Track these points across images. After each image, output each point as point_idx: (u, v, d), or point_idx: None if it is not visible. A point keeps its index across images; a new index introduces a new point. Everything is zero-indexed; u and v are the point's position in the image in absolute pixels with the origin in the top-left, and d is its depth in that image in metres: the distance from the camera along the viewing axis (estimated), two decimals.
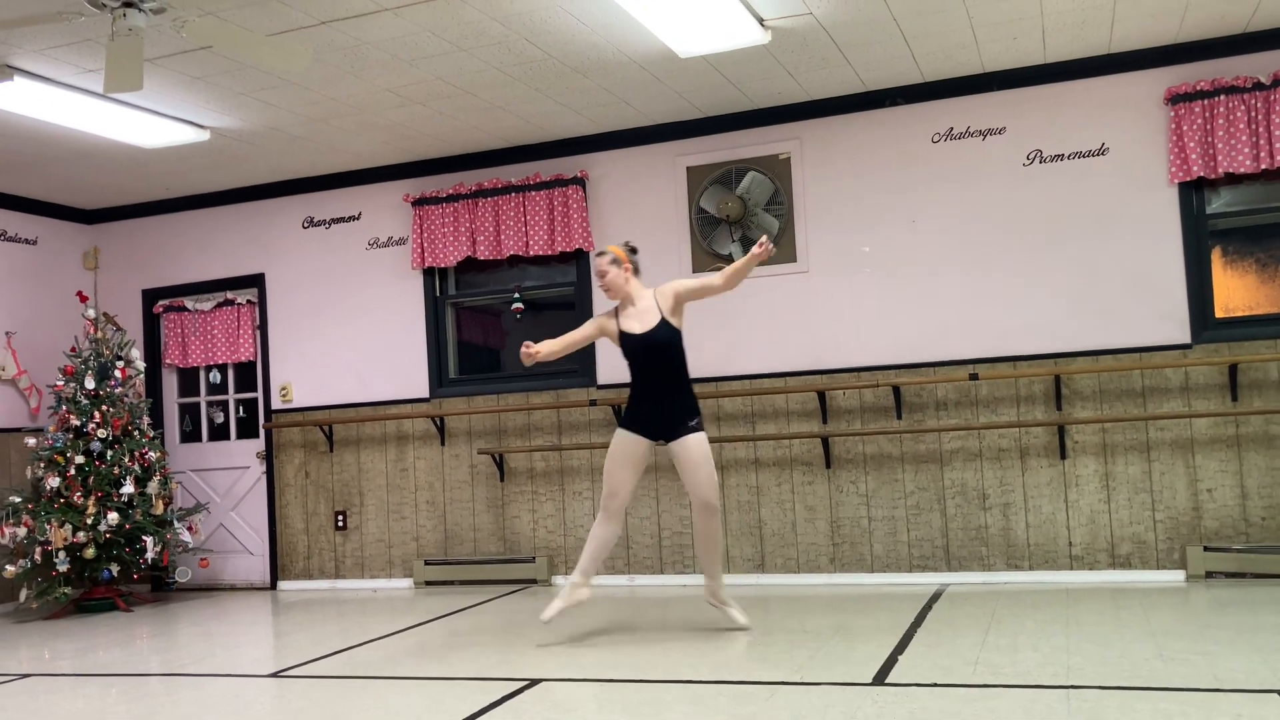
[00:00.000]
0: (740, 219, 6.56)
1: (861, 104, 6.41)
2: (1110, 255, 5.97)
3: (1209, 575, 5.68)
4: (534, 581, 6.93)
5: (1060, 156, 6.08)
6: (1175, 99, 5.79)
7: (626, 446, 4.90)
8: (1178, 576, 5.76)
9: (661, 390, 4.87)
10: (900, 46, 5.64)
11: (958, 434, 6.21)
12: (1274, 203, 5.85)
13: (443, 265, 7.19)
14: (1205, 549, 5.71)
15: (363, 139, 6.71)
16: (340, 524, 7.51)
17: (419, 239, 7.20)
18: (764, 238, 4.65)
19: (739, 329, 6.63)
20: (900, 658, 4.27)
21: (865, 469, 6.37)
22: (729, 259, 6.61)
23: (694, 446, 4.83)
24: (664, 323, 4.87)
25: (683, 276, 6.71)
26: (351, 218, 7.55)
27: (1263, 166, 5.62)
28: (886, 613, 5.28)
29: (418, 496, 7.32)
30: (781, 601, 5.86)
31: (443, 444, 7.26)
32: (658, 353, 4.86)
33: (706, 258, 6.69)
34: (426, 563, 7.22)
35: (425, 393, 7.32)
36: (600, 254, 5.00)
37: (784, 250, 6.54)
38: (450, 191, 7.14)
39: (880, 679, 3.94)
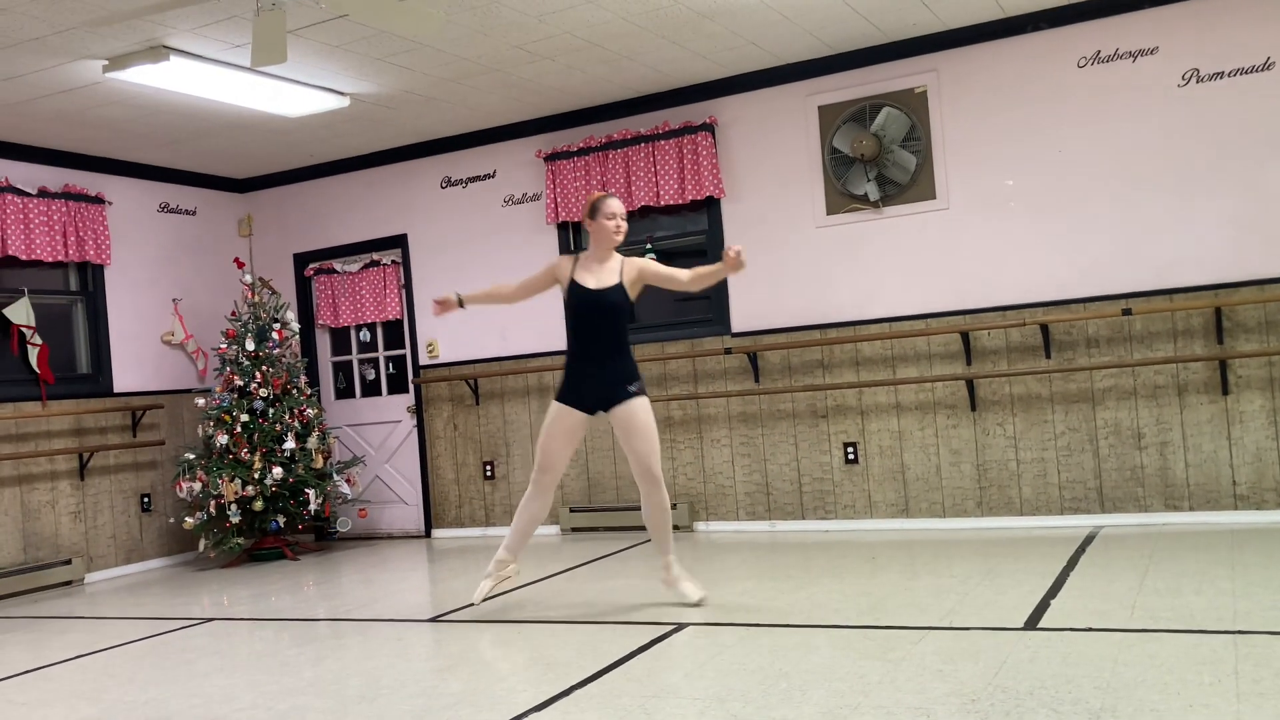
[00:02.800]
0: (875, 157, 6.41)
1: (1001, 31, 6.14)
2: (1278, 178, 5.60)
3: None
4: (676, 527, 7.02)
5: (1219, 75, 5.71)
6: None
7: (563, 421, 4.70)
8: None
9: (602, 354, 4.66)
10: None
11: (1110, 372, 5.97)
12: None
13: (576, 219, 7.27)
14: None
15: (495, 97, 6.81)
16: (488, 473, 7.76)
17: (552, 194, 7.30)
18: (739, 247, 4.40)
19: (877, 271, 6.51)
20: (1053, 602, 4.18)
21: (1012, 410, 6.20)
22: (864, 199, 6.48)
23: (637, 411, 4.60)
24: (619, 287, 4.67)
25: (822, 216, 6.63)
26: (487, 175, 7.69)
27: None
28: (1037, 556, 5.16)
29: None
30: (927, 545, 5.80)
31: None
32: (605, 313, 4.65)
33: (840, 198, 6.57)
34: (571, 510, 7.40)
35: (563, 345, 7.44)
36: (611, 196, 4.77)
37: (923, 187, 6.37)
38: (581, 145, 7.19)
39: (1032, 624, 3.87)
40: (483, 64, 6.12)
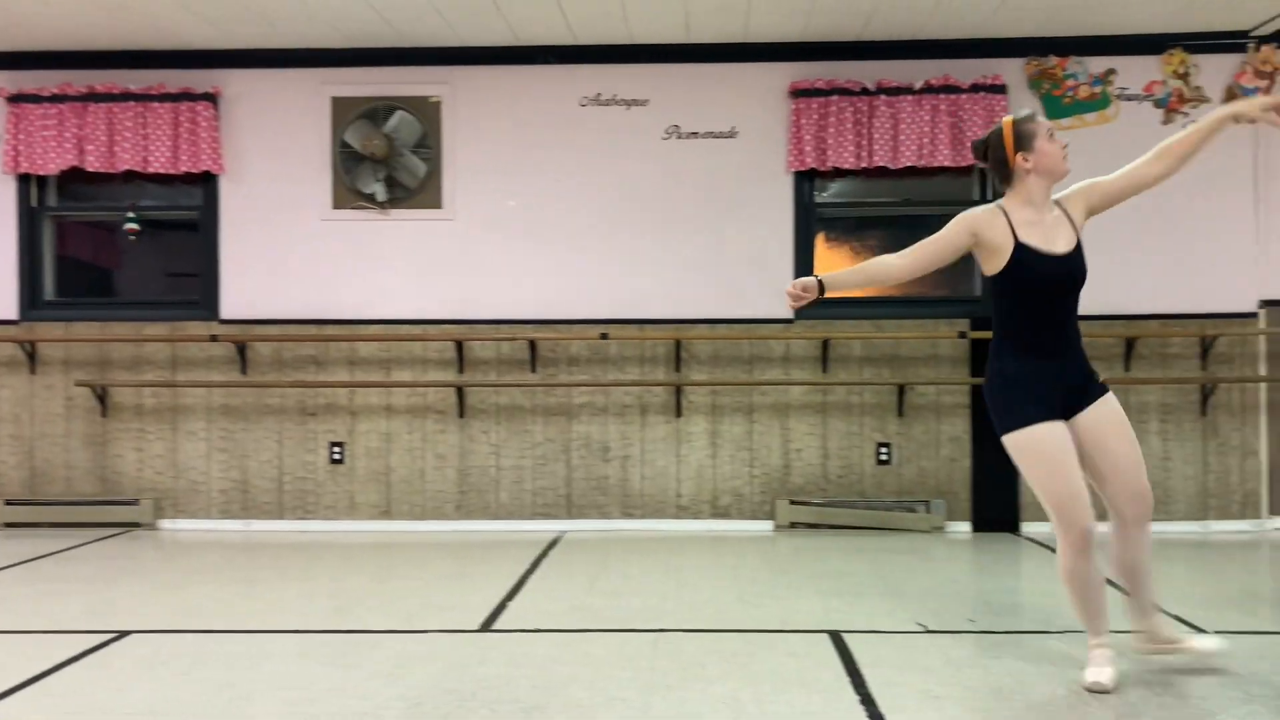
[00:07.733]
0: (386, 158, 6.39)
1: (514, 57, 6.43)
2: (732, 232, 6.44)
3: (793, 525, 6.35)
4: (137, 525, 6.42)
5: (695, 134, 6.45)
6: (797, 93, 6.32)
7: (1056, 440, 3.20)
8: (767, 526, 6.39)
9: (1062, 343, 3.30)
10: (552, 4, 5.70)
11: (587, 389, 6.46)
12: (870, 197, 6.59)
13: (42, 173, 6.41)
14: (791, 502, 6.37)
15: None
16: None
17: (13, 140, 6.37)
18: None
19: (381, 272, 6.48)
20: (510, 604, 4.41)
21: (498, 419, 6.48)
22: (371, 198, 6.43)
23: (1117, 406, 3.32)
24: (1080, 248, 3.32)
25: (328, 209, 6.46)
26: None
27: (863, 165, 6.28)
28: (505, 560, 5.43)
29: (0, 429, 6.53)
30: (405, 548, 5.86)
31: (33, 372, 6.51)
32: (1071, 287, 3.30)
33: (348, 194, 6.46)
34: (8, 502, 6.47)
35: (14, 314, 6.52)
36: (1033, 118, 3.34)
37: (430, 195, 6.46)
38: (55, 91, 6.36)
39: (487, 626, 4.06)
40: None
